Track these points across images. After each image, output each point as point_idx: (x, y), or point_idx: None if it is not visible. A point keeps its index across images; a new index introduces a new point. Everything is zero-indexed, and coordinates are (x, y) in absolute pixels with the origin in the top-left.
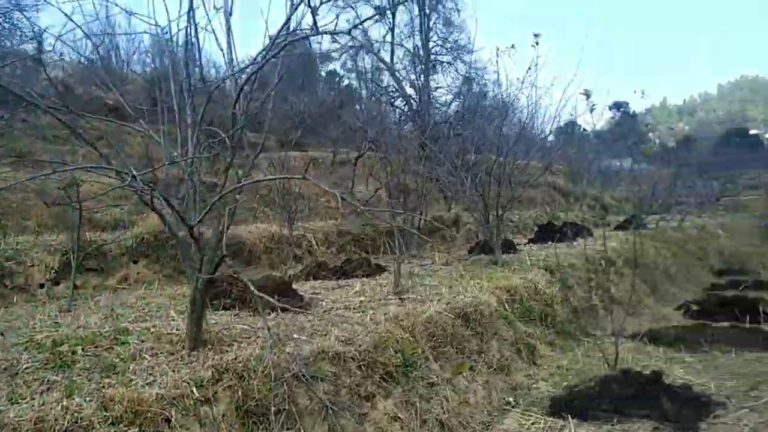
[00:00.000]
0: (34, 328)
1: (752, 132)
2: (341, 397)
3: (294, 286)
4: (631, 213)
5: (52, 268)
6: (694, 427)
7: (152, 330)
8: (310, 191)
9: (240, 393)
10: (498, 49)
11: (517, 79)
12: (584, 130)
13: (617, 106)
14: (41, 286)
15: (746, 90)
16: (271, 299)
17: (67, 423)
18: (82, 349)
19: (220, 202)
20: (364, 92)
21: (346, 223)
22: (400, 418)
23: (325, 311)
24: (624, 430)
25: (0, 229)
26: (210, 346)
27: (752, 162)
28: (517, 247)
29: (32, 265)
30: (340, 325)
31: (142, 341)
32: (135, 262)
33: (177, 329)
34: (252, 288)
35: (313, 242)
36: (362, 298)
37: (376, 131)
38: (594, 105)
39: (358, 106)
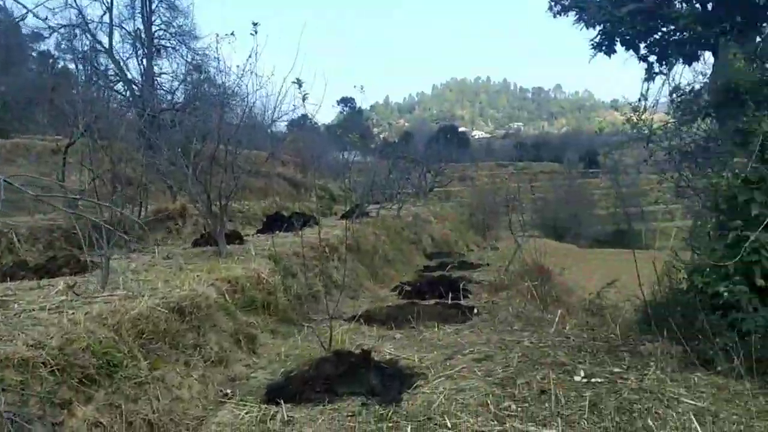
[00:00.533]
0: None
1: (461, 129)
2: (30, 407)
3: None
4: (355, 203)
5: None
6: (397, 398)
7: None
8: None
9: None
10: (218, 36)
11: (237, 66)
12: (315, 123)
13: (344, 101)
14: None
15: (455, 91)
16: None
17: None
18: None
19: None
20: (83, 76)
21: (56, 217)
22: (102, 423)
23: (15, 314)
24: (335, 409)
25: None
26: None
27: (460, 157)
28: (245, 238)
29: None
30: (31, 329)
31: None
32: None
33: None
34: None
35: (15, 239)
36: (64, 298)
37: (91, 117)
38: (306, 94)
39: (75, 91)
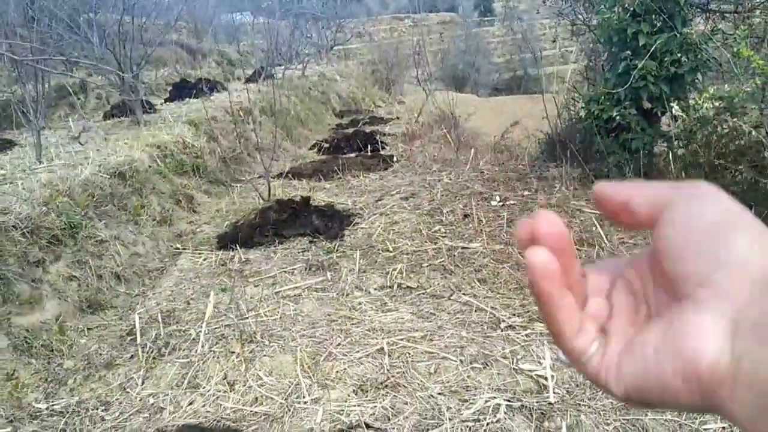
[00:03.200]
0: None
1: None
2: (10, 266)
3: None
4: (258, 66)
5: None
6: (340, 234)
7: None
8: None
9: None
10: None
11: None
12: None
13: None
14: None
15: None
16: None
17: None
18: None
19: None
20: None
21: None
22: (76, 276)
23: None
24: (285, 249)
25: None
26: None
27: (357, 12)
28: (156, 107)
29: None
30: None
31: None
32: None
33: None
34: None
35: None
36: (2, 172)
37: None
38: None
39: None
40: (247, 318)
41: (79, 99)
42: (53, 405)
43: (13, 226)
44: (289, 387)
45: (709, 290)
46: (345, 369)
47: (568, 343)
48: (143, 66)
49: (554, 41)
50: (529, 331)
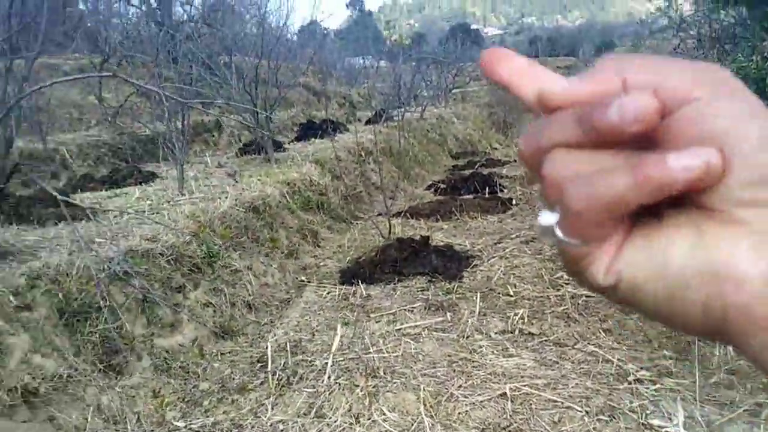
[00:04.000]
0: None
1: (473, 27)
2: (155, 290)
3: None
4: (379, 107)
5: None
6: (459, 276)
7: None
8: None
9: (60, 296)
10: None
11: None
12: (325, 29)
13: (353, 4)
14: None
15: None
16: (79, 205)
17: None
18: None
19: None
20: None
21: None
22: (212, 303)
23: (115, 216)
24: (405, 287)
25: None
26: (11, 258)
27: (475, 54)
28: (284, 145)
29: None
30: (139, 227)
31: None
32: None
33: None
34: (58, 196)
35: (67, 156)
36: (149, 202)
37: (122, 35)
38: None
39: (82, 5)
40: (370, 353)
41: (213, 136)
42: (190, 424)
43: (160, 253)
44: (413, 424)
45: (752, 211)
46: (467, 411)
47: None
48: (276, 107)
49: None
50: (658, 386)
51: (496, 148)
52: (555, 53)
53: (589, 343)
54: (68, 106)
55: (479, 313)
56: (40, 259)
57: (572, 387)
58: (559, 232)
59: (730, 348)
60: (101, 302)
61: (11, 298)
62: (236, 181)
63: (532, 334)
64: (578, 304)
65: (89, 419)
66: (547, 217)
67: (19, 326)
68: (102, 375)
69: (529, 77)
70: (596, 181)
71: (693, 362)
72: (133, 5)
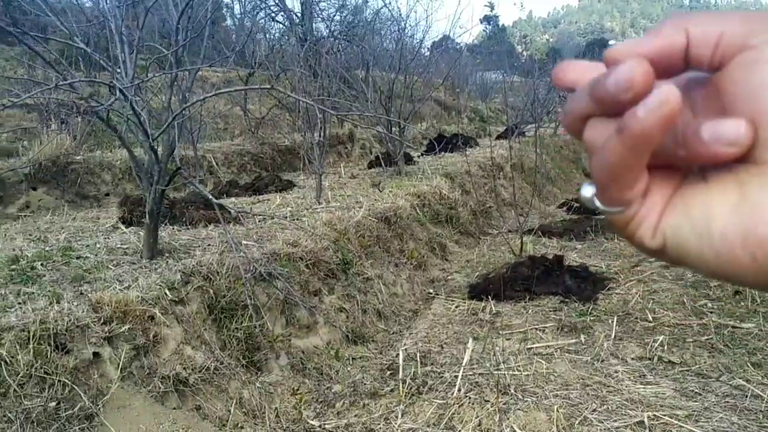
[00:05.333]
0: None
1: (611, 43)
2: (294, 292)
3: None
4: (512, 122)
5: None
6: (594, 298)
7: (98, 245)
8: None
9: (211, 292)
10: None
11: None
12: (458, 44)
13: (487, 19)
14: None
15: (603, 2)
16: (230, 208)
17: (66, 324)
18: (42, 265)
19: (178, 118)
20: (237, 6)
21: (243, 142)
22: (345, 309)
23: (260, 220)
24: (536, 306)
25: None
26: (167, 255)
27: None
28: (414, 158)
29: None
30: (281, 232)
31: (96, 255)
32: (34, 189)
33: (125, 243)
34: (212, 199)
35: (214, 163)
36: (289, 209)
37: (266, 50)
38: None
39: (229, 21)
40: (501, 369)
41: (346, 148)
42: (324, 424)
43: (299, 257)
44: None
45: None
46: None
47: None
48: (410, 120)
49: None
50: None
51: None
52: None
53: (735, 376)
54: (215, 117)
55: (615, 337)
56: (194, 258)
57: (716, 421)
58: (597, 202)
59: None
60: (247, 301)
61: (167, 292)
62: (381, 191)
63: (672, 362)
64: (723, 334)
65: (231, 411)
66: (587, 189)
67: (173, 318)
68: (244, 370)
69: (592, 72)
70: (602, 149)
71: None
72: (277, 21)
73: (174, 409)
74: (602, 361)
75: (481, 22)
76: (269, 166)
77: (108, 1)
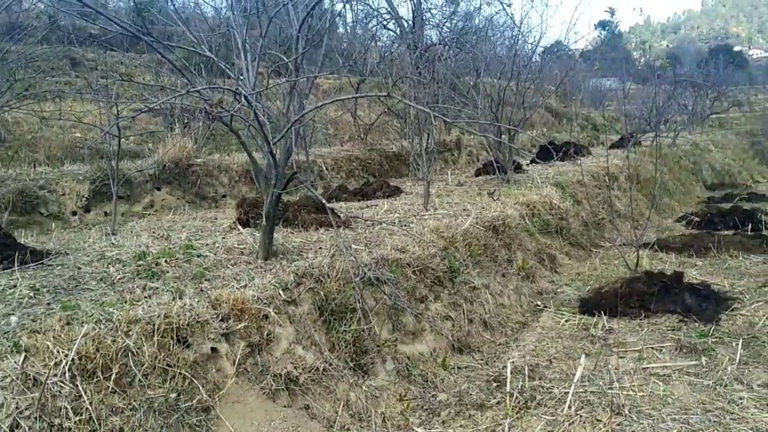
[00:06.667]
0: (94, 248)
1: (736, 49)
2: (401, 298)
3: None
4: (628, 131)
5: (83, 196)
6: (716, 318)
7: (216, 245)
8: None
9: (321, 294)
10: None
11: None
12: (570, 50)
13: (602, 24)
14: (74, 213)
15: (729, 6)
16: (341, 213)
17: (188, 319)
18: (165, 261)
19: (296, 124)
20: (349, 15)
21: (352, 147)
22: (450, 317)
23: (369, 225)
24: (652, 324)
25: (19, 160)
26: (281, 256)
27: (737, 79)
28: (522, 167)
29: (63, 194)
30: (389, 237)
31: (215, 254)
32: (158, 189)
33: (241, 243)
34: (326, 203)
35: (324, 167)
36: (396, 215)
37: (377, 57)
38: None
39: (342, 29)
40: (614, 388)
41: (452, 155)
42: (430, 431)
43: (407, 263)
44: None
45: None
46: None
47: None
48: (521, 128)
49: None
50: None
51: (758, 181)
52: None
53: None
54: (326, 123)
55: (740, 361)
56: (306, 260)
57: None
58: None
59: None
60: (356, 304)
61: (281, 292)
62: (495, 200)
63: None
64: None
65: (339, 413)
66: None
67: (286, 318)
68: (352, 372)
69: None
70: None
71: None
72: (388, 29)
73: (284, 407)
74: (725, 386)
75: (596, 28)
76: (377, 172)
77: (234, 12)
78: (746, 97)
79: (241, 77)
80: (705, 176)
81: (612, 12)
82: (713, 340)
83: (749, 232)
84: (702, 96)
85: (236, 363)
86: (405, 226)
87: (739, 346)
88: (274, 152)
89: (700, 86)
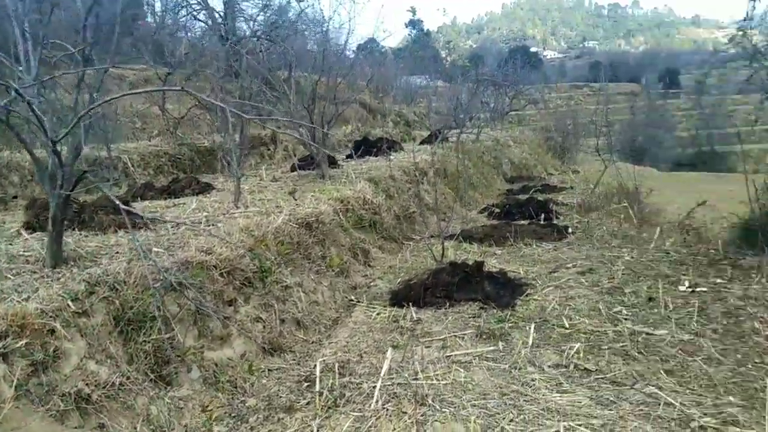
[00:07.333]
0: None
1: (532, 50)
2: (207, 302)
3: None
4: (435, 128)
5: None
6: (512, 304)
7: None
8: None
9: (117, 303)
10: None
11: None
12: (382, 48)
13: (412, 24)
14: None
15: (526, 9)
16: (140, 214)
17: None
18: None
19: (84, 119)
20: (158, 4)
21: (161, 142)
22: (261, 318)
23: (173, 226)
24: (456, 312)
25: None
26: (72, 263)
27: (533, 78)
28: (338, 162)
29: None
30: (194, 238)
31: None
32: None
33: (27, 250)
34: (120, 204)
35: (129, 164)
36: (205, 214)
37: (186, 48)
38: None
39: (150, 18)
40: (419, 379)
41: (268, 150)
42: None
43: (213, 265)
44: None
45: None
46: None
47: None
48: (333, 123)
49: (756, 121)
50: None
51: (551, 174)
52: (617, 79)
53: (649, 384)
54: (132, 116)
55: (532, 344)
56: (100, 266)
57: (630, 430)
58: None
59: None
60: (156, 312)
61: (70, 303)
62: (295, 200)
63: (588, 370)
64: (638, 341)
65: (138, 428)
66: None
67: (76, 332)
68: (152, 384)
69: None
70: None
71: (762, 411)
72: (198, 20)
73: (75, 428)
74: (520, 369)
75: (406, 27)
76: (188, 168)
77: None
78: (541, 95)
79: (20, 67)
80: (505, 170)
81: (413, 11)
82: (509, 325)
83: (542, 222)
84: (502, 94)
85: (15, 385)
86: (212, 225)
87: (532, 329)
88: (59, 150)
89: (500, 85)
